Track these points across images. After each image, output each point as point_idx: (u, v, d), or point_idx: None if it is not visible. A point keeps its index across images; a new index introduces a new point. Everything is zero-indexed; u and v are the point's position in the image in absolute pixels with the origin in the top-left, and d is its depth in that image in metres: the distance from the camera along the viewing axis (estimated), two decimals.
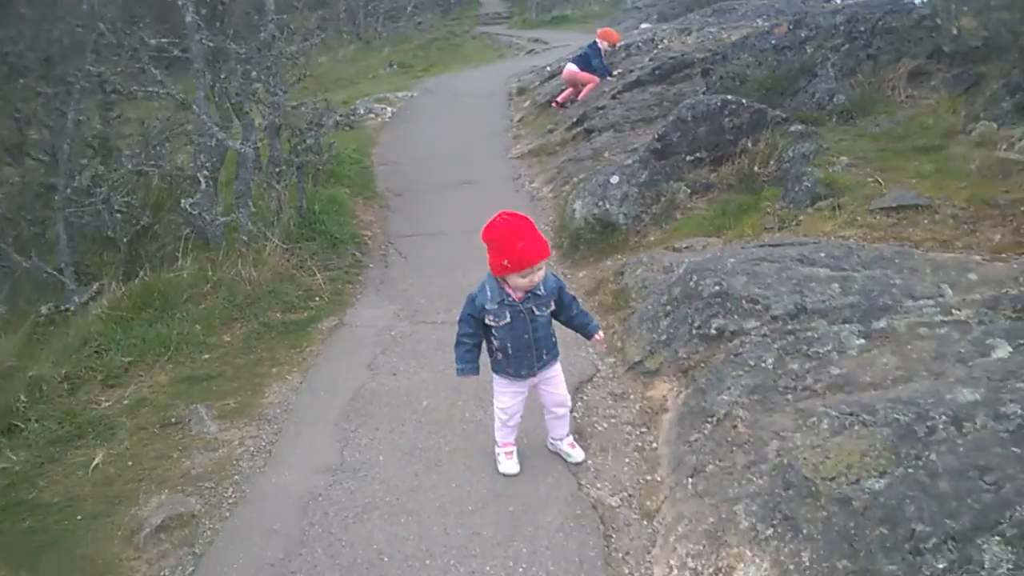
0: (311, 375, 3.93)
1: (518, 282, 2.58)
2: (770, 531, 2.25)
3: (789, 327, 3.13)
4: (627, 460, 2.95)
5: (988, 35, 6.05)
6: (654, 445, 3.00)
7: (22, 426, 3.52)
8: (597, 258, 5.04)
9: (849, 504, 2.15)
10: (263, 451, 3.28)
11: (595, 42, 8.87)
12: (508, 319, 2.64)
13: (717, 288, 3.49)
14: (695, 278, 3.67)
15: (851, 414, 2.46)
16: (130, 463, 3.25)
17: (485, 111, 10.10)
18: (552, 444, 3.03)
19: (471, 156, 8.05)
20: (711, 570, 2.28)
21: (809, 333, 3.05)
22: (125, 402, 3.73)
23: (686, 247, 4.55)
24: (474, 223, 6.04)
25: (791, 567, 2.12)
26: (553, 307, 2.76)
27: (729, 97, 5.80)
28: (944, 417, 2.27)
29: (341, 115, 6.85)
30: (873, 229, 4.05)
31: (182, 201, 4.81)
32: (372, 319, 4.54)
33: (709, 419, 2.86)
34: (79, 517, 2.93)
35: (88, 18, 4.67)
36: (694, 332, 3.41)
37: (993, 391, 2.32)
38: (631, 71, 8.58)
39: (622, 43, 9.86)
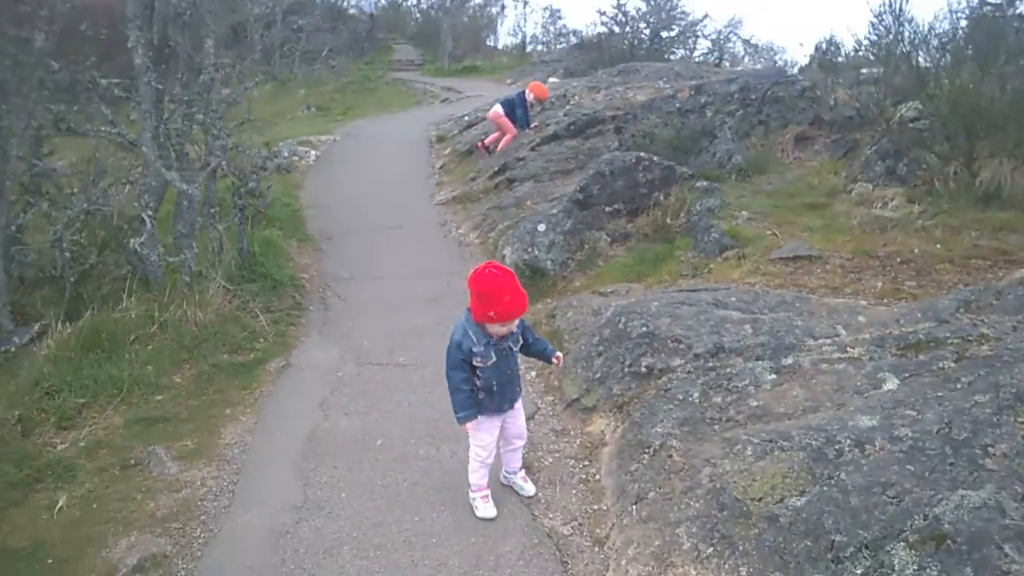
0: (264, 416, 3.92)
1: (498, 329, 2.78)
2: (710, 550, 2.49)
3: (710, 364, 3.48)
4: (574, 491, 3.14)
5: (859, 107, 6.96)
6: (597, 476, 3.21)
7: None
8: (529, 302, 5.28)
9: (776, 521, 2.44)
10: (226, 491, 3.27)
11: (524, 92, 9.07)
12: (494, 358, 2.82)
13: (644, 329, 3.81)
14: (624, 320, 3.98)
15: (771, 440, 2.79)
16: (94, 505, 3.16)
17: (407, 157, 10.25)
18: (506, 477, 3.18)
19: (397, 201, 8.17)
20: None
21: (728, 369, 3.40)
22: (82, 444, 3.60)
23: (611, 291, 4.89)
24: (407, 268, 6.29)
25: None
26: (521, 341, 2.96)
27: (642, 154, 6.31)
28: (849, 441, 2.62)
29: (283, 159, 6.84)
30: (774, 276, 4.55)
31: (131, 241, 4.69)
32: (318, 360, 4.56)
33: (646, 450, 3.12)
34: (50, 561, 2.85)
35: (39, 55, 4.52)
36: (626, 370, 3.69)
37: (887, 417, 2.71)
38: (547, 124, 9.02)
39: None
